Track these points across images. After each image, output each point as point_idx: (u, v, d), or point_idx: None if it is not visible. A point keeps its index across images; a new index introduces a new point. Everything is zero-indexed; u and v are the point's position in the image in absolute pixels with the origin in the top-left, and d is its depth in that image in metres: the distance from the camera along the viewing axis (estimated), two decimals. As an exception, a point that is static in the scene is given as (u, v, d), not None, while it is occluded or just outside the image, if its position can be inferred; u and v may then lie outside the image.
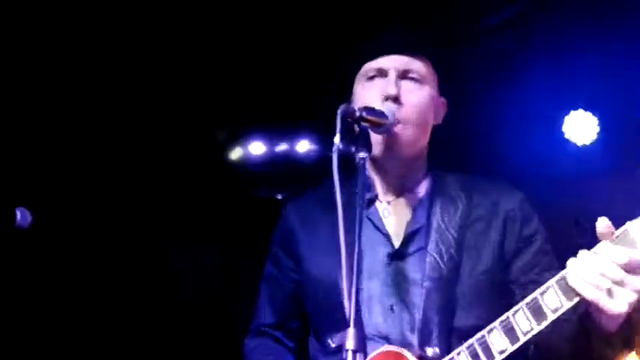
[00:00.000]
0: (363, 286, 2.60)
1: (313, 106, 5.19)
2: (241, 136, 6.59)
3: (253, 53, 5.67)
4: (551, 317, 2.34)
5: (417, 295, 2.59)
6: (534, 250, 2.69)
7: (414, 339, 2.55)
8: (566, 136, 5.99)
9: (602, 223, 2.27)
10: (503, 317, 2.40)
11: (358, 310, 2.17)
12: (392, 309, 2.60)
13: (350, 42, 2.94)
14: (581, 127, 5.95)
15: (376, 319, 2.61)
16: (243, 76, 5.85)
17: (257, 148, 6.65)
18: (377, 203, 2.77)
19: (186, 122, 6.10)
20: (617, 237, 2.29)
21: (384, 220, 2.73)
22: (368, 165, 2.59)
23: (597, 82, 5.63)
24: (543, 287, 2.35)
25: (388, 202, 2.76)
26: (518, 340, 2.37)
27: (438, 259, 2.59)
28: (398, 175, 2.77)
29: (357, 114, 2.44)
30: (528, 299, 2.36)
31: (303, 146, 6.59)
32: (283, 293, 2.91)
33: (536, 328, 2.36)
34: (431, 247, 2.62)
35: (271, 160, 6.60)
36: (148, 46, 5.47)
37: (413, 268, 2.63)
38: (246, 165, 6.59)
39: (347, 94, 2.80)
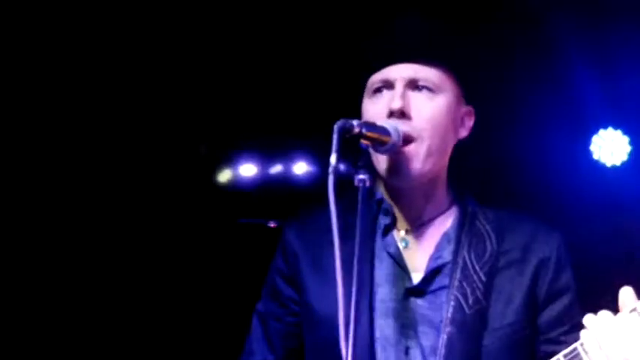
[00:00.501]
0: (377, 324, 2.55)
1: (312, 122, 4.99)
2: (230, 156, 6.51)
3: (243, 61, 5.66)
4: None
5: (436, 340, 2.52)
6: (565, 304, 2.62)
7: None
8: (595, 156, 5.92)
9: (625, 295, 2.20)
10: None
11: (371, 351, 2.21)
12: (407, 352, 2.53)
13: (352, 50, 2.89)
14: (610, 147, 5.89)
15: None
16: (232, 88, 5.85)
17: (248, 169, 6.56)
18: (395, 232, 2.67)
19: (168, 139, 6.06)
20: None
21: (402, 251, 2.64)
22: (382, 189, 2.62)
23: (628, 98, 5.61)
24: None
25: (407, 232, 2.67)
26: None
27: (462, 300, 2.53)
28: (414, 200, 2.67)
29: (356, 130, 2.30)
30: (567, 351, 2.27)
31: (301, 168, 6.48)
32: (282, 328, 2.79)
33: None
34: (455, 286, 2.56)
35: (264, 183, 6.51)
36: (133, 61, 5.49)
37: (432, 307, 2.56)
38: (236, 188, 6.50)
39: (357, 109, 2.72)
